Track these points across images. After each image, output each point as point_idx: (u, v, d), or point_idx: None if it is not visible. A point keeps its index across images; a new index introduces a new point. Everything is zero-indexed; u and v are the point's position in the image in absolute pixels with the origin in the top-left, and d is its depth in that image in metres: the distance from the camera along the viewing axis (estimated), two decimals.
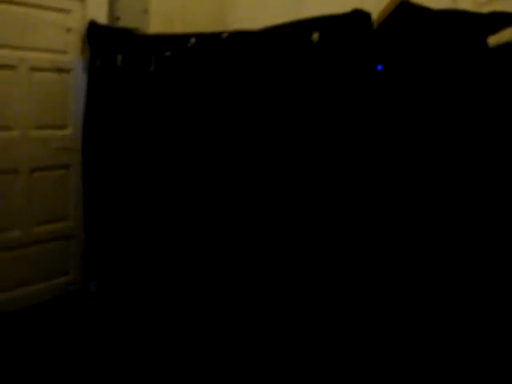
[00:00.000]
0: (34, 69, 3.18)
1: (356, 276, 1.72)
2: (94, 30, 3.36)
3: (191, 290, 2.68)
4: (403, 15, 1.98)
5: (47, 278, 3.48)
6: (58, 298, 3.46)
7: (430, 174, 1.73)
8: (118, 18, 3.47)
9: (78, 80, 3.42)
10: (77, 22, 3.38)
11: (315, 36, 2.15)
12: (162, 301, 2.94)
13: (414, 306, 1.52)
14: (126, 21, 3.53)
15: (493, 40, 2.09)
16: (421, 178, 1.73)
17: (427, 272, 1.54)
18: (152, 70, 2.85)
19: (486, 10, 2.29)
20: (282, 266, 2.00)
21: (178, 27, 3.81)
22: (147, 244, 3.11)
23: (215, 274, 2.44)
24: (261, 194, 2.18)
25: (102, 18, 3.43)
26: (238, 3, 3.87)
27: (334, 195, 1.93)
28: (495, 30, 2.01)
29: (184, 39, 2.70)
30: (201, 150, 2.68)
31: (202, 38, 2.62)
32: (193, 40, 2.64)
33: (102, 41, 3.29)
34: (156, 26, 3.65)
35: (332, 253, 1.80)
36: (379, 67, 2.13)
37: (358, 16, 2.50)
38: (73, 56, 3.38)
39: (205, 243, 2.55)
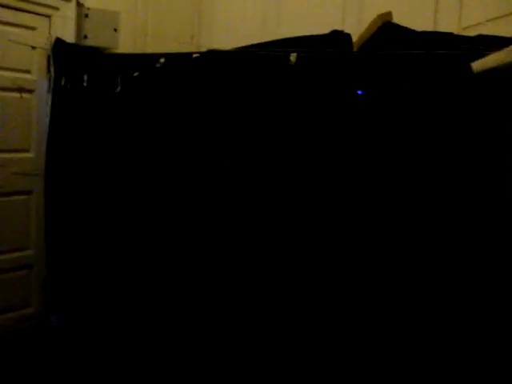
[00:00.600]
0: None
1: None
2: (59, 49, 3.18)
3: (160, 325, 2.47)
4: (386, 37, 1.86)
5: (7, 311, 3.21)
6: (18, 331, 3.19)
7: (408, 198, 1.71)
8: (85, 37, 3.30)
9: (41, 101, 3.22)
10: (42, 40, 3.20)
11: (292, 58, 2.01)
12: (127, 337, 2.70)
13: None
14: (95, 39, 3.35)
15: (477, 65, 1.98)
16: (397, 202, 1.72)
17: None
18: (118, 91, 2.66)
19: (469, 34, 2.20)
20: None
21: (151, 46, 3.66)
22: (112, 276, 2.90)
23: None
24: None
25: (70, 36, 3.26)
26: (213, 21, 3.74)
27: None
28: (480, 54, 1.91)
29: (153, 58, 2.54)
30: (171, 173, 2.49)
31: (172, 57, 2.46)
32: (162, 60, 2.47)
33: (68, 60, 3.11)
34: (126, 44, 3.49)
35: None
36: (359, 91, 2.01)
37: (338, 37, 2.39)
38: (37, 75, 3.19)
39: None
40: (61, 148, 3.18)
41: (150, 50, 3.51)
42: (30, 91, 3.16)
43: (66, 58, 3.14)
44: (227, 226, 2.16)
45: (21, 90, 3.09)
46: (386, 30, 1.83)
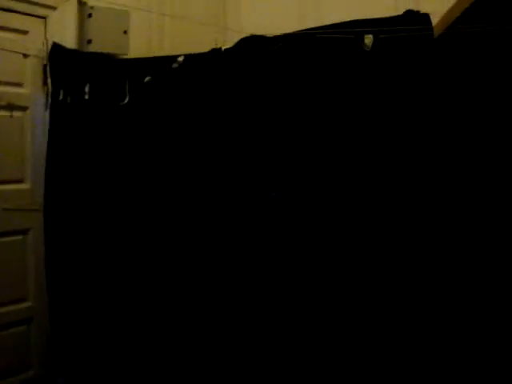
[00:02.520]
0: None
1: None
2: (57, 56, 2.60)
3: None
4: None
5: (3, 376, 2.62)
6: None
7: None
8: (89, 41, 2.69)
9: (36, 119, 2.64)
10: (36, 46, 2.62)
11: (367, 40, 1.35)
12: None
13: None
14: (101, 44, 2.75)
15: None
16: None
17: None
18: (126, 102, 2.04)
19: None
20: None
21: (169, 50, 3.02)
22: (129, 330, 2.37)
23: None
24: None
25: (70, 41, 2.67)
26: (239, 16, 3.10)
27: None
28: None
29: (168, 59, 1.91)
30: (199, 207, 1.95)
31: (193, 55, 1.82)
32: (180, 58, 1.84)
33: (67, 69, 2.52)
34: (139, 48, 2.87)
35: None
36: None
37: (415, 17, 1.78)
38: (30, 89, 2.61)
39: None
40: (63, 175, 2.59)
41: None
42: (23, 108, 2.59)
43: (66, 67, 2.56)
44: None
45: (11, 107, 2.50)
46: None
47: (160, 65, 1.96)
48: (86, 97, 2.36)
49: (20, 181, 2.63)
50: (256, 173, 1.68)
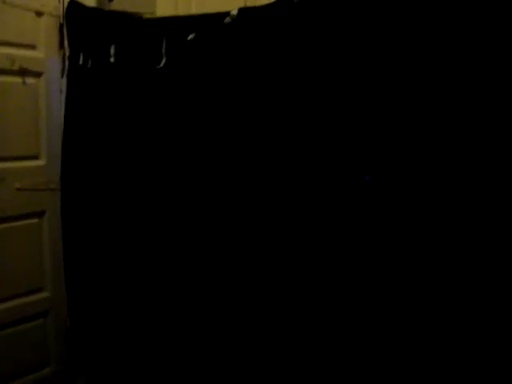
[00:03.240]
0: None
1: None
2: (75, 14, 2.27)
3: None
4: None
5: (19, 374, 2.35)
6: None
7: None
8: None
9: (52, 87, 2.32)
10: (51, 3, 2.30)
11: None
12: None
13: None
14: (124, 3, 2.39)
15: None
16: None
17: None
18: (163, 65, 1.72)
19: None
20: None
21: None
22: (152, 322, 2.13)
23: None
24: None
25: None
26: None
27: None
28: None
29: (218, 16, 1.58)
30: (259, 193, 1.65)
31: (252, 8, 1.49)
32: (234, 12, 1.51)
33: (88, 29, 2.19)
34: (166, 10, 2.51)
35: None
36: None
37: None
38: (45, 52, 2.28)
39: None
40: (82, 151, 2.28)
41: None
42: (37, 74, 2.26)
43: (86, 27, 2.22)
44: None
45: (23, 72, 2.17)
46: None
47: (208, 21, 1.62)
48: (112, 60, 2.03)
49: (34, 157, 2.32)
50: (344, 152, 1.36)
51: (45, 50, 2.29)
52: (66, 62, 2.33)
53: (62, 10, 2.31)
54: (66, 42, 2.33)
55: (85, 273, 2.41)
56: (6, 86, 2.17)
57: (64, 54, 2.33)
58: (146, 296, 2.21)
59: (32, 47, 2.25)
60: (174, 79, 1.78)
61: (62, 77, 2.35)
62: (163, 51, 1.80)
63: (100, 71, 2.12)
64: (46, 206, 2.38)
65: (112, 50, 2.04)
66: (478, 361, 1.18)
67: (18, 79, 2.21)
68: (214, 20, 1.60)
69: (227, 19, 1.58)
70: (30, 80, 2.25)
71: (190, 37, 1.68)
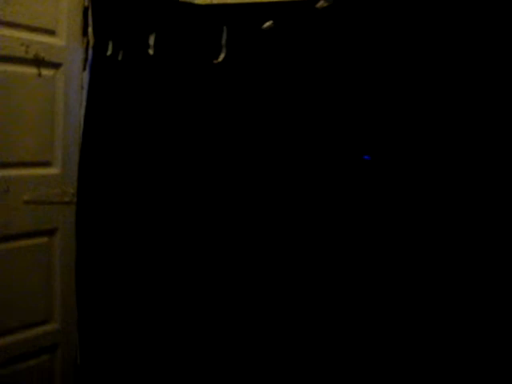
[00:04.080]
0: None
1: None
2: None
3: None
4: None
5: None
6: None
7: None
8: None
9: (72, 81, 1.93)
10: None
11: None
12: None
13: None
14: None
15: None
16: None
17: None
18: (222, 60, 1.35)
19: None
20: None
21: None
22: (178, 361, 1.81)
23: None
24: None
25: None
26: None
27: None
28: None
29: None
30: None
31: None
32: None
33: (120, 13, 1.81)
34: None
35: None
36: None
37: None
38: (65, 39, 1.90)
39: None
40: (105, 158, 1.92)
41: None
42: (54, 65, 1.88)
43: (116, 12, 1.84)
44: None
45: (39, 62, 1.79)
46: None
47: (292, 6, 1.25)
48: (151, 52, 1.65)
49: (47, 164, 1.93)
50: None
51: (65, 37, 1.91)
52: (90, 53, 1.94)
53: None
54: (90, 29, 1.93)
55: (101, 302, 2.04)
56: (17, 76, 1.78)
57: (87, 43, 1.95)
58: (172, 334, 1.85)
59: (50, 33, 1.87)
60: (239, 77, 1.41)
61: (84, 70, 1.96)
62: (223, 43, 1.42)
63: (134, 65, 1.75)
64: (59, 222, 1.99)
65: (151, 40, 1.66)
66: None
67: (31, 70, 1.83)
68: (300, 4, 1.23)
69: (321, 3, 1.21)
70: (46, 72, 1.87)
71: (267, 25, 1.30)
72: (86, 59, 1.97)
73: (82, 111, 1.98)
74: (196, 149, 1.57)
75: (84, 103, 1.98)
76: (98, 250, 1.99)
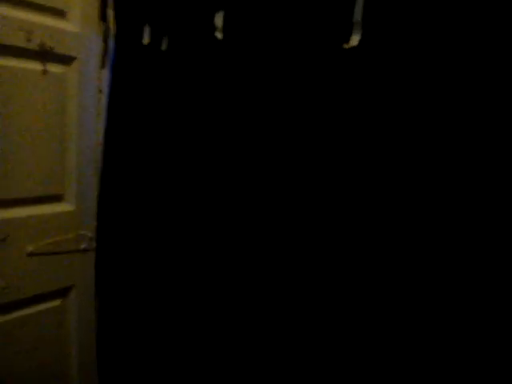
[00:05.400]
0: None
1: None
2: None
3: None
4: None
5: None
6: None
7: None
8: None
9: (89, 82, 1.38)
10: None
11: None
12: None
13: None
14: None
15: None
16: None
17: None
18: (357, 44, 0.87)
19: None
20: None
21: None
22: None
23: None
24: None
25: None
26: None
27: None
28: None
29: None
30: None
31: None
32: None
33: None
34: None
35: None
36: None
37: None
38: (80, 24, 1.34)
39: None
40: (136, 189, 1.37)
41: None
42: (66, 59, 1.35)
43: None
44: None
45: (44, 54, 1.24)
46: None
47: None
48: (219, 36, 1.14)
49: (57, 198, 1.38)
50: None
51: (80, 21, 1.36)
52: (111, 43, 1.40)
53: None
54: (110, 11, 1.39)
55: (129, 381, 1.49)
56: (14, 75, 1.23)
57: (107, 30, 1.40)
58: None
59: (60, 14, 1.31)
60: (376, 66, 0.92)
61: (104, 67, 1.41)
62: (357, 19, 0.93)
63: (190, 57, 1.22)
64: (74, 277, 1.44)
65: (219, 20, 1.15)
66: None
67: (35, 65, 1.28)
68: None
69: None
70: (54, 68, 1.32)
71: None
72: (105, 52, 1.42)
73: (102, 123, 1.43)
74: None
75: (104, 113, 1.43)
76: (124, 311, 1.44)
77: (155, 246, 1.44)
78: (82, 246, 1.45)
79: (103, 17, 1.43)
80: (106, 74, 1.45)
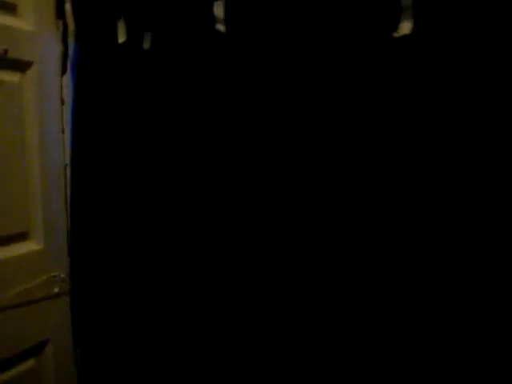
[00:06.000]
0: None
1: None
2: None
3: None
4: None
5: None
6: None
7: None
8: None
9: (50, 92, 1.12)
10: None
11: None
12: None
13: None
14: None
15: None
16: None
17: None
18: (410, 33, 0.76)
19: None
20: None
21: None
22: None
23: None
24: None
25: None
26: None
27: None
28: None
29: None
30: None
31: None
32: None
33: None
34: None
35: None
36: None
37: None
38: (33, 22, 1.08)
39: None
40: (114, 218, 1.17)
41: None
42: (22, 65, 1.06)
43: None
44: None
45: None
46: None
47: None
48: (221, 28, 0.97)
49: (22, 236, 1.12)
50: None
51: (34, 18, 1.11)
52: (70, 43, 1.17)
53: None
54: (67, 5, 1.16)
55: None
56: None
57: (64, 27, 1.17)
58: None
59: (9, 9, 1.06)
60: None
61: (64, 73, 1.17)
62: (406, 3, 0.80)
63: (183, 56, 1.03)
64: (49, 329, 1.18)
65: (219, 10, 0.98)
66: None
67: None
68: None
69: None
70: (7, 76, 1.06)
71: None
72: (65, 55, 1.18)
73: (68, 139, 1.19)
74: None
75: (69, 129, 1.19)
76: (112, 361, 1.21)
77: (140, 283, 1.22)
78: (55, 291, 1.20)
79: (60, 13, 1.18)
80: (66, 81, 1.20)
